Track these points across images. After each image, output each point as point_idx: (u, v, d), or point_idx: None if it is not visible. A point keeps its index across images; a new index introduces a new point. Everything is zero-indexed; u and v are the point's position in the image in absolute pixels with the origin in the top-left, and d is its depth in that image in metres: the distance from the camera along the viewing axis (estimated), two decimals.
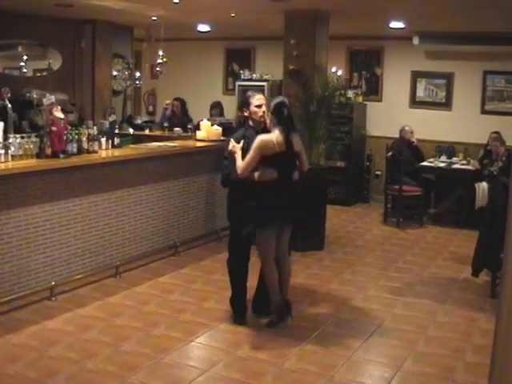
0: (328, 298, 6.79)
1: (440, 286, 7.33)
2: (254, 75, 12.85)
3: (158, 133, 11.02)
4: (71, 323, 5.76)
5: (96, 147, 6.96)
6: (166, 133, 10.94)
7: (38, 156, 6.26)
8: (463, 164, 10.80)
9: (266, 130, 5.65)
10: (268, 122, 5.70)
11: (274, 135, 5.49)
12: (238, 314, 5.94)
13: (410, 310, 6.48)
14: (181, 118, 11.36)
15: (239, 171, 5.49)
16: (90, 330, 5.60)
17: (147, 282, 7.02)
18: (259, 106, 5.70)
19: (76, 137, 6.62)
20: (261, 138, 5.48)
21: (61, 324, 5.74)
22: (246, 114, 5.79)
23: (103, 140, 7.22)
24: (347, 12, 9.27)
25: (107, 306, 6.26)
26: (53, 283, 6.33)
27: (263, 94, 5.94)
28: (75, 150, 6.59)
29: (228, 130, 8.58)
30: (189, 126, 10.62)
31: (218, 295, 6.57)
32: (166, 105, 11.71)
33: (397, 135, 11.12)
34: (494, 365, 3.02)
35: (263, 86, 12.31)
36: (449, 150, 11.40)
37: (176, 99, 11.77)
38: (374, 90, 12.44)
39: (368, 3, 8.54)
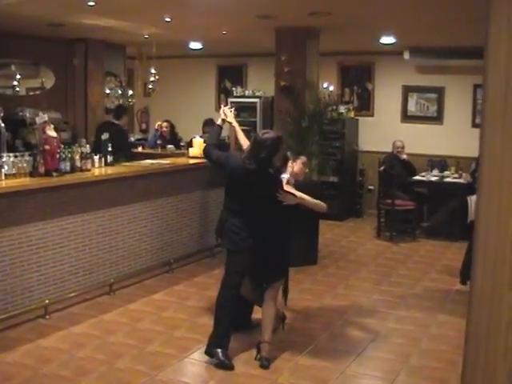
0: (321, 312, 6.82)
1: (433, 299, 7.37)
2: (247, 92, 12.91)
3: (150, 150, 11.05)
4: (65, 341, 5.77)
5: (89, 165, 7.00)
6: (159, 150, 10.98)
7: (31, 175, 6.29)
8: (455, 177, 10.85)
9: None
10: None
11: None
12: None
13: (404, 324, 6.51)
14: (169, 142, 11.28)
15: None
16: (84, 348, 5.62)
17: (141, 299, 7.03)
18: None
19: (69, 155, 6.66)
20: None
21: (55, 342, 5.75)
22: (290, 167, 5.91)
23: (96, 158, 7.27)
24: (337, 28, 9.35)
25: (101, 323, 6.28)
26: (47, 301, 6.34)
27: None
28: (68, 168, 6.63)
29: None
30: (181, 144, 10.66)
31: (212, 311, 6.56)
32: (158, 126, 11.68)
33: (389, 150, 11.17)
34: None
35: (255, 102, 12.39)
36: (441, 163, 11.47)
37: (165, 121, 11.69)
38: (365, 105, 12.52)
39: (358, 19, 8.62)
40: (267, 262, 5.55)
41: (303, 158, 6.03)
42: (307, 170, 6.05)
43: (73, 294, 6.71)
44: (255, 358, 5.41)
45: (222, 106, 6.01)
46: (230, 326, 5.43)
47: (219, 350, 5.32)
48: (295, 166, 5.85)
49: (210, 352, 5.38)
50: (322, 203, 5.75)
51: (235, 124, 5.92)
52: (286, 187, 5.55)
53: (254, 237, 5.41)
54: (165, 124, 11.47)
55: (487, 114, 3.26)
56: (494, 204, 3.21)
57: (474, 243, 3.26)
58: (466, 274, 7.33)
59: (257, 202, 5.41)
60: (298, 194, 5.54)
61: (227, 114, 5.83)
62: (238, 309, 5.59)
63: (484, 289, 3.26)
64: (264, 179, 5.38)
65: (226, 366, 5.27)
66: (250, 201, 5.41)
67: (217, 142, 5.74)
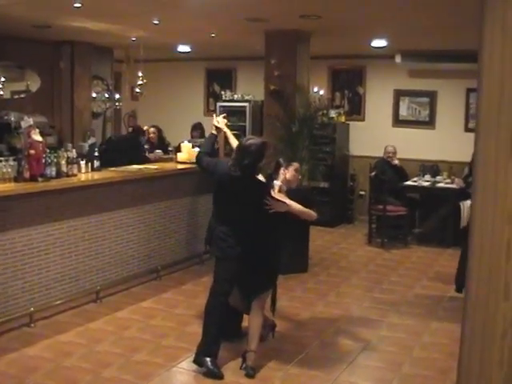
0: (312, 320, 6.82)
1: (425, 306, 7.37)
2: (236, 96, 12.90)
3: None
4: (51, 350, 5.74)
5: (75, 170, 6.97)
6: (147, 155, 10.90)
7: (16, 180, 6.26)
8: (448, 183, 10.88)
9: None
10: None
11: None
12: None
13: (396, 331, 6.51)
14: (157, 147, 10.98)
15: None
16: (70, 357, 5.58)
17: (128, 307, 7.00)
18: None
19: (55, 160, 6.62)
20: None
21: (40, 351, 5.71)
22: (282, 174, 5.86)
23: (83, 163, 7.24)
24: (328, 31, 9.36)
25: (88, 331, 6.25)
26: (32, 309, 6.30)
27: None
28: (54, 173, 6.59)
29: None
30: (169, 149, 10.62)
31: (200, 319, 6.53)
32: (145, 131, 11.37)
33: (380, 155, 11.19)
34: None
35: (245, 106, 12.40)
36: (433, 168, 11.48)
37: (152, 126, 11.43)
38: (356, 109, 12.54)
39: (349, 22, 8.64)
40: (256, 270, 5.53)
41: (296, 165, 6.01)
42: (300, 177, 6.03)
43: (58, 302, 6.67)
44: (240, 368, 5.39)
45: (215, 116, 6.01)
46: (219, 334, 5.41)
47: (208, 359, 5.30)
48: (287, 173, 5.82)
49: (198, 361, 5.36)
50: (312, 211, 5.73)
51: (227, 130, 5.95)
52: (278, 195, 5.53)
53: (242, 244, 5.40)
54: (152, 130, 11.25)
55: (481, 119, 3.26)
56: (488, 211, 3.21)
57: (468, 250, 3.26)
58: (461, 282, 7.31)
59: (243, 209, 5.40)
60: (288, 201, 5.52)
61: (220, 121, 5.85)
62: (228, 317, 5.57)
63: (479, 297, 3.25)
64: (250, 186, 5.38)
65: (215, 374, 5.25)
66: (236, 208, 5.40)
67: (210, 151, 5.78)
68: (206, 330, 5.43)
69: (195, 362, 5.39)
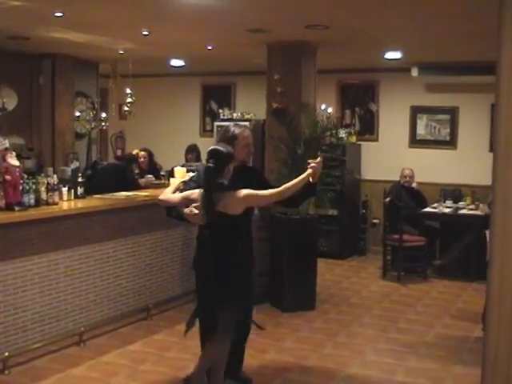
0: (321, 364, 6.78)
1: (448, 348, 7.33)
2: (235, 114, 12.96)
3: None
4: None
5: (56, 198, 6.98)
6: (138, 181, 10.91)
7: None
8: (471, 209, 10.89)
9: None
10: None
11: None
12: None
13: (414, 377, 6.48)
14: (148, 172, 11.03)
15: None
16: None
17: (115, 351, 6.97)
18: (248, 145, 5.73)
19: (33, 186, 6.63)
20: None
21: None
22: None
23: (65, 190, 7.25)
24: (337, 43, 9.41)
25: (69, 379, 6.21)
26: (6, 354, 6.26)
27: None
28: (33, 201, 6.60)
29: None
30: (162, 173, 10.63)
31: (195, 364, 6.53)
32: (134, 154, 11.31)
33: (395, 178, 11.21)
34: None
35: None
36: (455, 193, 11.49)
37: (142, 150, 11.41)
38: (368, 128, 12.58)
39: (360, 32, 8.68)
40: (215, 284, 5.46)
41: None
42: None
43: (36, 345, 6.64)
44: None
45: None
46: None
47: None
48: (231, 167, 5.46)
49: None
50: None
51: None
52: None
53: (205, 255, 5.47)
54: (142, 153, 11.19)
55: (499, 149, 3.24)
56: (510, 238, 3.19)
57: (487, 288, 3.23)
58: None
59: None
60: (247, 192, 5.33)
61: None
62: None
63: (500, 338, 3.22)
64: None
65: None
66: None
67: None
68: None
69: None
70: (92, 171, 10.17)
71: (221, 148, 5.38)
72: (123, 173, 9.71)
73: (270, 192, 5.35)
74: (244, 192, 5.25)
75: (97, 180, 8.72)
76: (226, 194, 5.26)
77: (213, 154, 5.33)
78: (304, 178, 5.34)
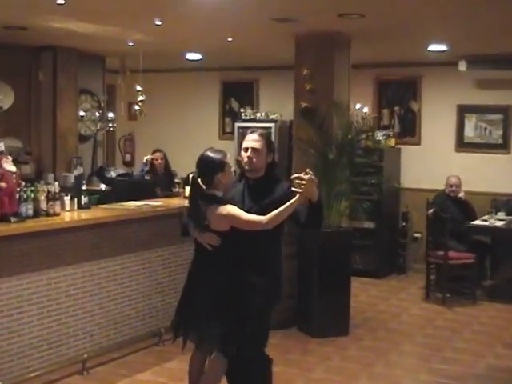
0: None
1: (500, 382, 7.30)
2: (258, 114, 12.96)
3: None
4: None
5: (58, 208, 7.00)
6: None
7: None
8: None
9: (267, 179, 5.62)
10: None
11: None
12: None
13: None
14: (163, 178, 10.79)
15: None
16: None
17: (123, 380, 6.97)
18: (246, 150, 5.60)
19: (32, 195, 6.66)
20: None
21: None
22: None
23: (67, 199, 7.27)
24: (373, 34, 9.40)
25: None
26: None
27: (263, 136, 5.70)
28: (31, 212, 6.63)
29: None
30: (176, 180, 10.58)
31: None
32: (146, 160, 10.92)
33: (440, 187, 11.16)
34: None
35: (270, 127, 12.38)
36: (508, 204, 11.41)
37: (156, 151, 11.04)
38: (409, 130, 12.56)
39: (399, 22, 8.66)
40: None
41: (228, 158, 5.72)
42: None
43: (34, 374, 6.64)
44: None
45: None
46: None
47: None
48: (224, 177, 5.51)
49: None
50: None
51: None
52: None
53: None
54: (158, 154, 10.91)
55: None
56: None
57: None
58: None
59: None
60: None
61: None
62: None
63: None
64: None
65: None
66: None
67: None
68: None
69: None
70: (107, 183, 10.12)
71: (209, 154, 5.39)
72: (152, 191, 9.69)
73: (255, 219, 5.20)
74: (228, 208, 5.23)
75: (117, 197, 8.66)
76: (211, 208, 5.28)
77: (197, 161, 5.42)
78: (292, 204, 5.15)
